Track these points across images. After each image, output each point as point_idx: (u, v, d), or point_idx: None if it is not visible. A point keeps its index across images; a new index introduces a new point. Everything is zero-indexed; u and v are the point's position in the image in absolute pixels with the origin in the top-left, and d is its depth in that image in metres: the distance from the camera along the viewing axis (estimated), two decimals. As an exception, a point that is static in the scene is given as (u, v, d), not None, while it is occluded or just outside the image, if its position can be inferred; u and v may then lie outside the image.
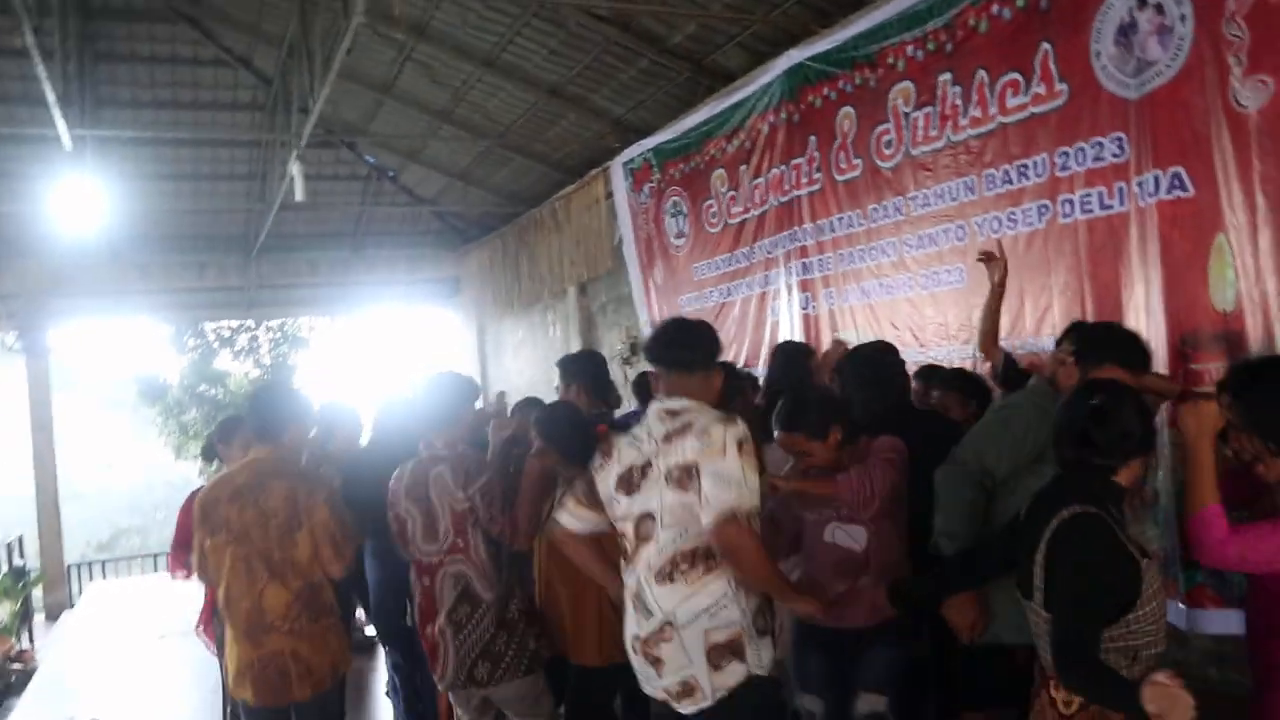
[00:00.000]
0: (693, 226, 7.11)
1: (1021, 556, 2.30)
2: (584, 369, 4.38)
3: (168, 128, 9.52)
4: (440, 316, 13.74)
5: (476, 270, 11.75)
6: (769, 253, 6.24)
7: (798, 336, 5.89)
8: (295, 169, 7.57)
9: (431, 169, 10.30)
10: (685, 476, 2.56)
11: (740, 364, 6.31)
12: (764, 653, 2.64)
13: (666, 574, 2.61)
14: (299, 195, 7.60)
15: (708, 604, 2.57)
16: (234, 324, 16.42)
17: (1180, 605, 3.56)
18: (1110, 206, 3.91)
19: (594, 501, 2.90)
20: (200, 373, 16.67)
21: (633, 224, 7.90)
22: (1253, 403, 2.25)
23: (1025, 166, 4.28)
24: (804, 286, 5.91)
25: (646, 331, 7.96)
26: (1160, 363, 3.61)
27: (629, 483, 2.73)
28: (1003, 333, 4.40)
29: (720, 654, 2.57)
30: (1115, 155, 3.86)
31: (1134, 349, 3.01)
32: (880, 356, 3.78)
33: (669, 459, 2.60)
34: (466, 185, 10.37)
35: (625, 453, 2.77)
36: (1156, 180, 3.68)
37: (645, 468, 2.68)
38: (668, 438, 2.63)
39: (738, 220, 6.53)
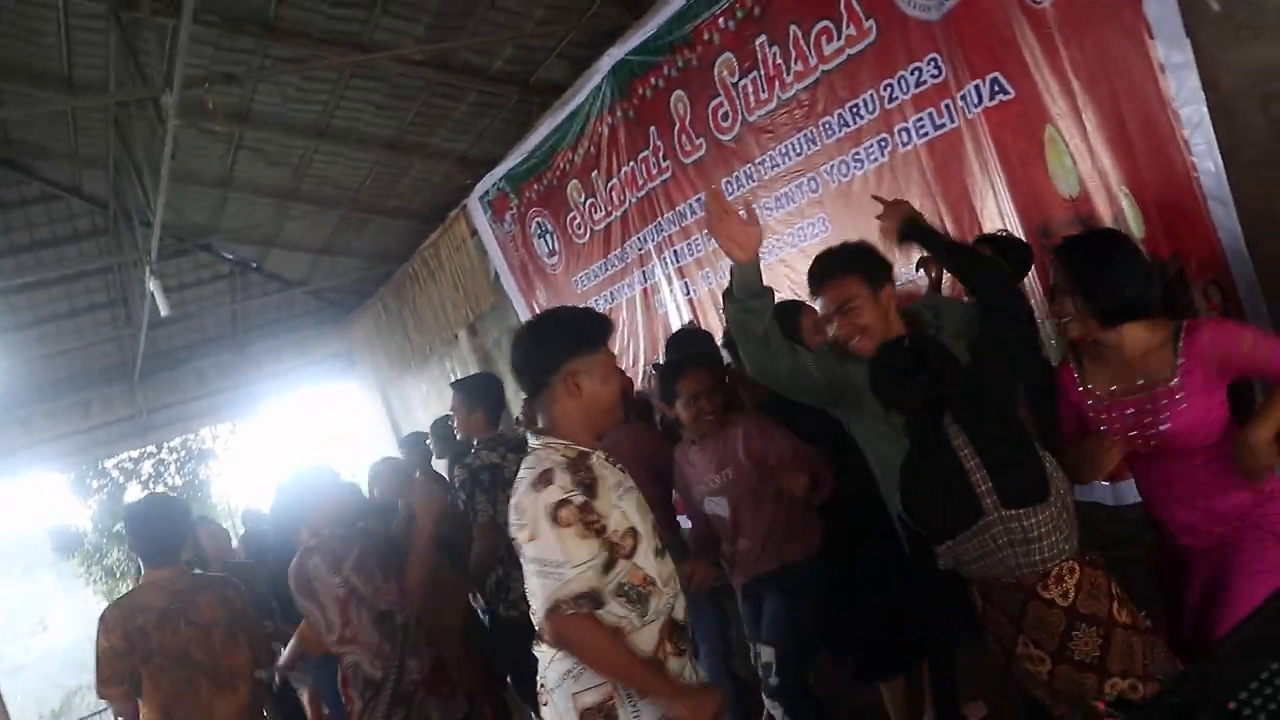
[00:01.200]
0: (562, 242, 7.02)
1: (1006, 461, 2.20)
2: (488, 394, 4.26)
3: (12, 275, 8.99)
4: (342, 392, 13.37)
5: (364, 338, 11.47)
6: (640, 248, 6.19)
7: (686, 320, 5.87)
8: (153, 285, 7.23)
9: (294, 250, 9.98)
10: (519, 553, 2.15)
11: (642, 361, 6.26)
12: (644, 715, 2.16)
13: (538, 634, 2.20)
14: (163, 310, 7.26)
15: (569, 665, 2.15)
16: (134, 454, 15.69)
17: (1103, 483, 3.62)
18: (943, 125, 3.97)
19: None
20: (112, 512, 15.89)
21: (504, 255, 7.79)
22: (1074, 264, 2.32)
23: (856, 107, 4.32)
24: (681, 273, 5.88)
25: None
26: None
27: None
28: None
29: (593, 718, 2.16)
30: (934, 76, 3.92)
31: None
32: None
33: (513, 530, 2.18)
34: (333, 257, 10.08)
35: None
36: (977, 90, 3.75)
37: None
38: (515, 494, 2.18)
39: (603, 225, 6.47)
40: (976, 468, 2.17)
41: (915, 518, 2.37)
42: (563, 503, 2.05)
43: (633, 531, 2.14)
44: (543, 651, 2.21)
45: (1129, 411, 2.30)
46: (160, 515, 3.39)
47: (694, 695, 2.17)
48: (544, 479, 2.08)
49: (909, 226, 2.63)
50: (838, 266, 2.59)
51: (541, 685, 2.24)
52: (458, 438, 5.81)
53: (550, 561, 2.03)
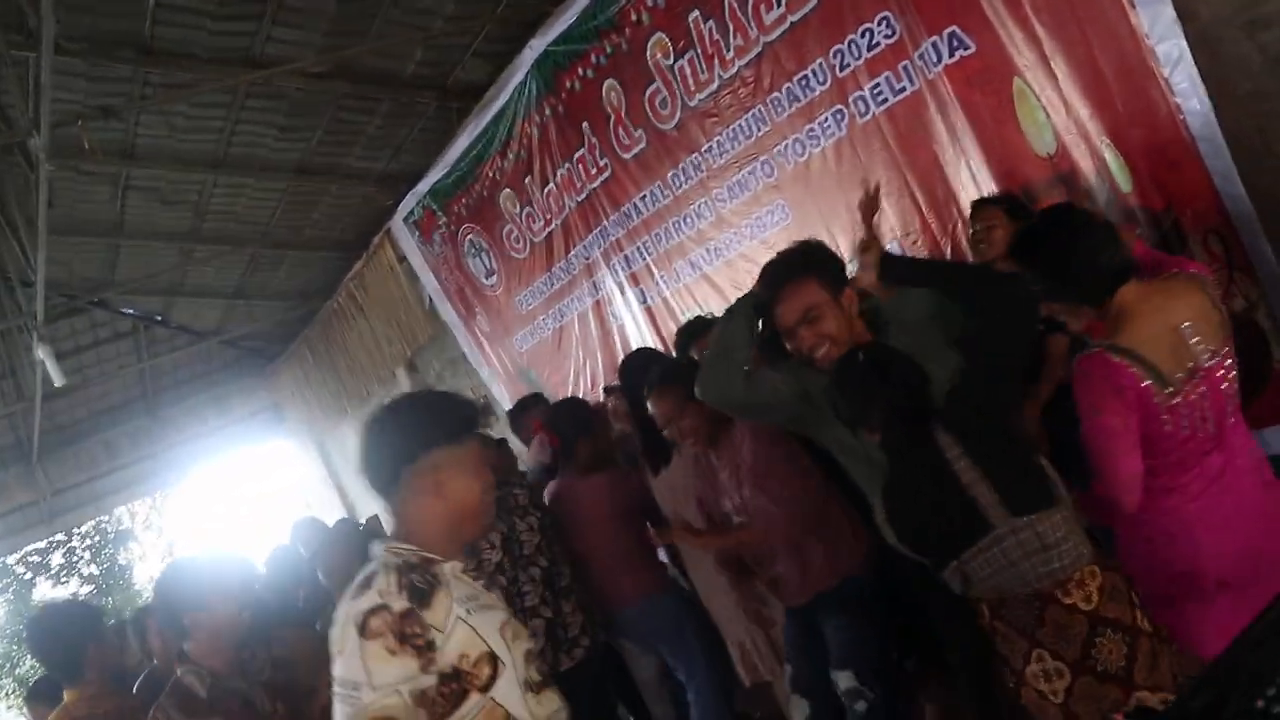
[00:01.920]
0: (499, 259, 6.96)
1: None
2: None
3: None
4: (275, 450, 13.17)
5: (292, 387, 11.30)
6: (586, 258, 6.15)
7: (644, 333, 5.83)
8: (42, 352, 7.03)
9: (202, 297, 9.81)
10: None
11: (600, 384, 6.19)
12: None
13: None
14: (57, 380, 7.07)
15: None
16: (41, 545, 15.29)
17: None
18: (902, 89, 3.96)
19: None
20: (21, 615, 15.45)
21: (437, 279, 7.71)
22: (1037, 269, 2.28)
23: (806, 79, 4.31)
24: (634, 280, 5.83)
25: (494, 384, 7.78)
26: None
27: None
28: (845, 257, 4.43)
29: None
30: (888, 37, 3.91)
31: None
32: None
33: None
34: (248, 301, 9.93)
35: None
36: (935, 47, 3.74)
37: None
38: None
39: (543, 236, 6.42)
40: (978, 479, 2.15)
41: (911, 543, 2.32)
42: (377, 609, 1.77)
43: (491, 658, 1.86)
44: None
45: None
46: (54, 630, 3.20)
47: None
48: (365, 584, 1.83)
49: (887, 262, 2.53)
50: (793, 273, 2.47)
51: None
52: None
53: (347, 682, 1.74)
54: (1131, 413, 2.12)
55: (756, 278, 2.56)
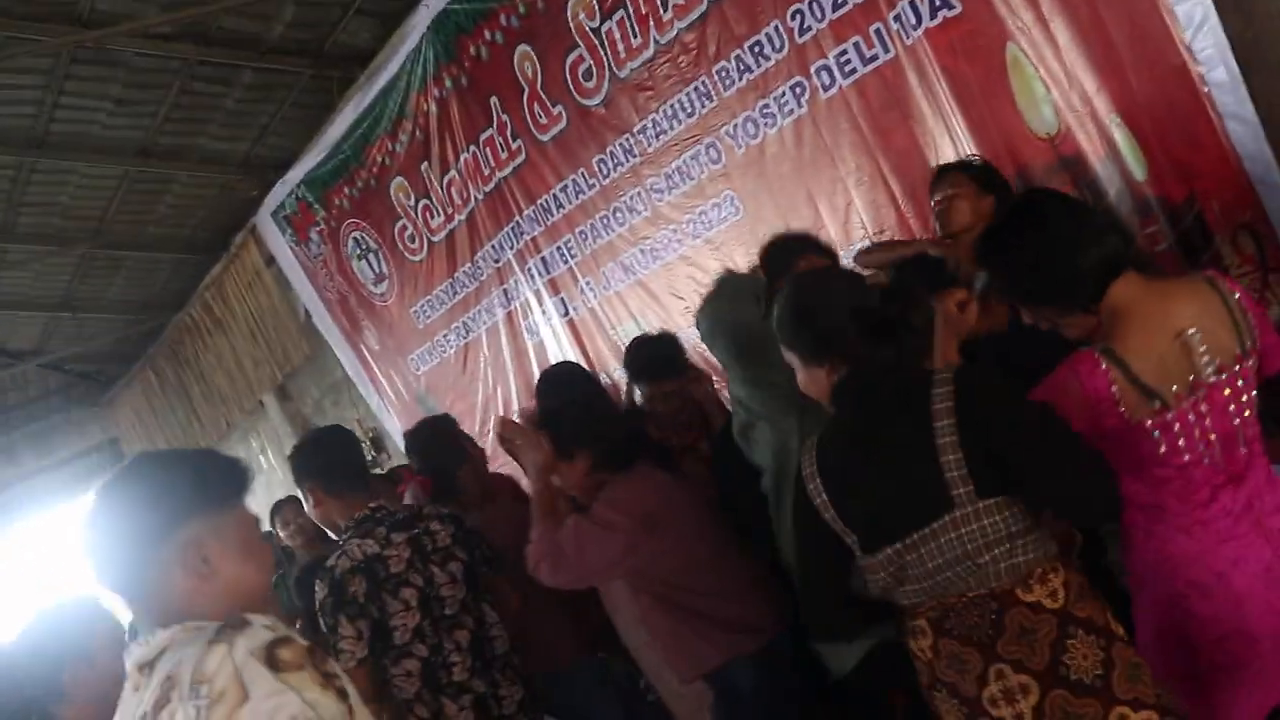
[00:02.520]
0: (391, 262, 6.83)
1: (878, 480, 2.17)
2: (342, 452, 3.66)
3: None
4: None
5: (134, 418, 11.05)
6: (497, 260, 6.06)
7: (566, 350, 5.74)
8: None
9: (17, 310, 9.52)
10: None
11: (512, 409, 6.09)
12: None
13: None
14: None
15: None
16: None
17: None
18: (874, 57, 3.93)
19: None
20: None
21: (314, 286, 7.58)
22: (1004, 274, 2.30)
23: (759, 45, 4.26)
24: (553, 287, 5.75)
25: (385, 414, 7.63)
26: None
27: None
28: (808, 254, 4.40)
29: None
30: (856, -7, 3.89)
31: None
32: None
33: None
34: (76, 315, 9.67)
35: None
36: (914, 7, 3.72)
37: None
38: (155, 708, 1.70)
39: (444, 234, 6.32)
40: (952, 446, 2.07)
41: (844, 512, 2.23)
42: (279, 641, 1.71)
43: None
44: None
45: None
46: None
47: None
48: (229, 627, 1.73)
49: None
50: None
51: None
52: (294, 544, 5.50)
53: None
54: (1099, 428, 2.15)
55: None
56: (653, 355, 3.79)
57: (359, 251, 7.03)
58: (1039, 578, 2.11)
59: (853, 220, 4.23)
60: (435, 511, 3.54)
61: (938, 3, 3.66)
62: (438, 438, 4.03)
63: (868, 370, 2.21)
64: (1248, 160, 3.14)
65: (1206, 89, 3.17)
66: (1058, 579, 2.13)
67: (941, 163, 3.66)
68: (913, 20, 3.73)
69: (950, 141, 3.80)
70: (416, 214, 6.40)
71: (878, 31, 3.87)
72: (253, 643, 1.68)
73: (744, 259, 4.67)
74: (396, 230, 6.62)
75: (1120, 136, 3.40)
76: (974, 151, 3.71)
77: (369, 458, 8.15)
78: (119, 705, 1.81)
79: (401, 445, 7.25)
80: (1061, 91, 3.51)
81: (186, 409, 10.07)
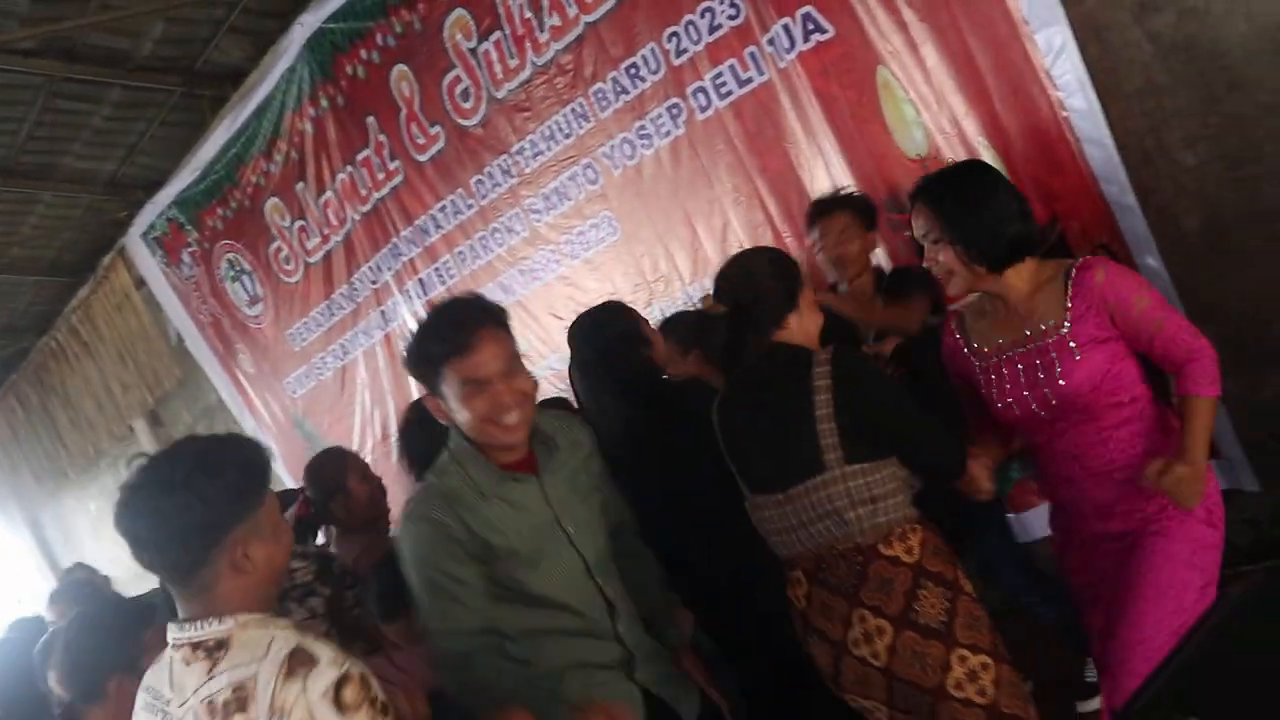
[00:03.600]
0: (266, 284, 6.63)
1: (765, 439, 2.47)
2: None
3: None
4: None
5: (-3, 448, 10.56)
6: (374, 281, 5.92)
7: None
8: None
9: None
10: None
11: (391, 432, 5.94)
12: None
13: None
14: None
15: None
16: None
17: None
18: (749, 80, 3.94)
19: None
20: None
21: (186, 309, 7.32)
22: (945, 209, 2.45)
23: (635, 67, 4.24)
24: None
25: (264, 439, 7.39)
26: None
27: None
28: (687, 279, 4.40)
29: None
30: (731, 18, 3.89)
31: None
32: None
33: None
34: (-67, 340, 9.23)
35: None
36: (788, 30, 3.74)
37: None
38: (220, 710, 1.86)
39: (320, 255, 6.15)
40: (828, 417, 2.36)
41: (736, 459, 2.57)
42: (344, 680, 1.83)
43: None
44: None
45: (1019, 369, 2.47)
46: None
47: None
48: (299, 660, 1.84)
49: None
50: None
51: None
52: None
53: None
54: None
55: None
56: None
57: (233, 273, 6.81)
58: (899, 535, 2.38)
59: (730, 240, 4.22)
60: (298, 550, 3.49)
61: (810, 27, 3.68)
62: (319, 471, 3.94)
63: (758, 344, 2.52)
64: (1104, 184, 3.22)
65: (1066, 114, 3.24)
66: (915, 538, 2.39)
67: (819, 196, 3.55)
68: (786, 44, 3.74)
69: (823, 162, 3.82)
70: (292, 235, 6.22)
71: (752, 54, 3.88)
72: (322, 683, 1.80)
73: (622, 279, 4.64)
74: (271, 252, 6.43)
75: (988, 159, 3.45)
76: (847, 172, 3.73)
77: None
78: (154, 668, 1.97)
79: (278, 469, 7.07)
80: (931, 114, 3.55)
81: (52, 436, 9.67)
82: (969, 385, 2.61)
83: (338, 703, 1.80)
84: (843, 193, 3.47)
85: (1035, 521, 3.65)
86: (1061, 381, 2.38)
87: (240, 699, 1.82)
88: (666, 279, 4.51)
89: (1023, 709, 2.32)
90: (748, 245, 4.12)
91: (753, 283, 2.52)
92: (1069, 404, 2.40)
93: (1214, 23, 3.10)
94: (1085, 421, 2.42)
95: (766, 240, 4.07)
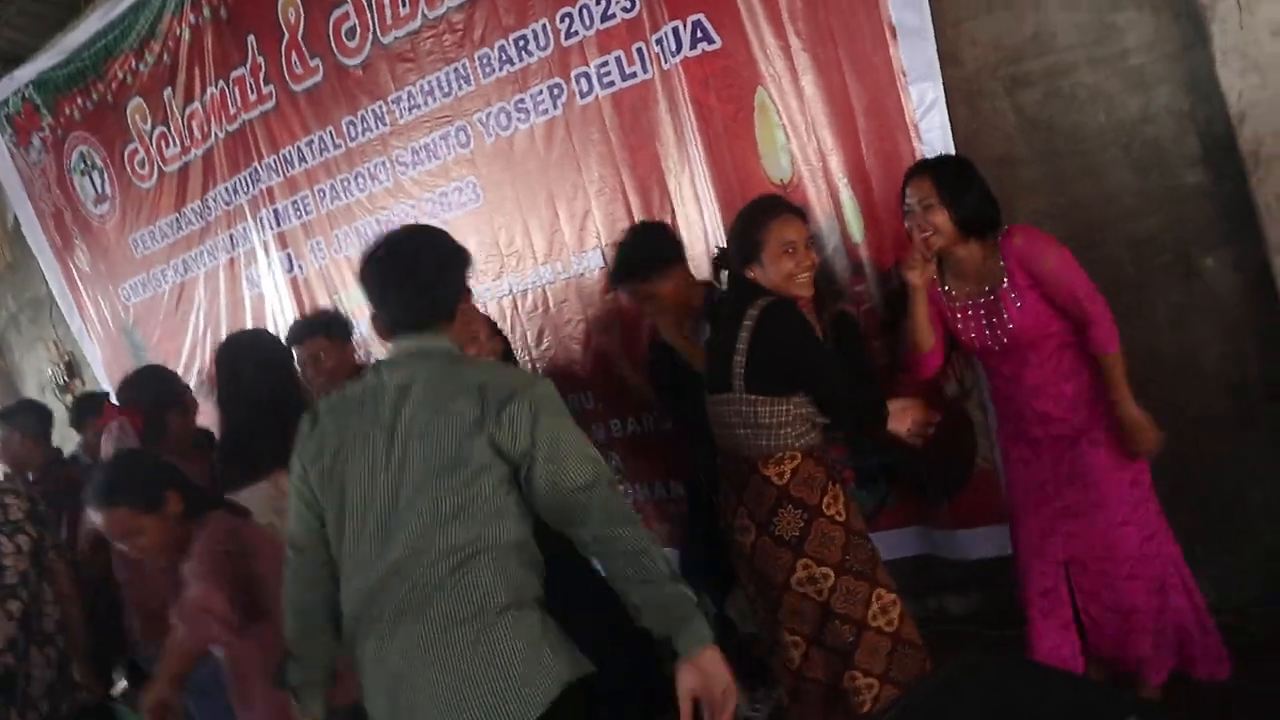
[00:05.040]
0: (116, 184, 6.28)
1: (712, 352, 3.02)
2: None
3: None
4: None
5: None
6: (229, 203, 5.66)
7: (285, 307, 5.43)
8: None
9: None
10: None
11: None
12: None
13: None
14: None
15: None
16: None
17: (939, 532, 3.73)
18: (633, 75, 3.86)
19: None
20: None
21: (28, 194, 6.89)
22: (946, 179, 2.92)
23: (525, 40, 4.12)
24: (282, 242, 5.42)
25: (86, 340, 7.04)
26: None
27: None
28: (540, 257, 4.32)
29: None
30: (626, 10, 3.80)
31: None
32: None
33: None
34: None
35: None
36: (676, 34, 3.67)
37: None
38: None
39: (177, 165, 5.85)
40: (743, 350, 2.83)
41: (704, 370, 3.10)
42: None
43: None
44: None
45: (981, 313, 3.00)
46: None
47: None
48: None
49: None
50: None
51: None
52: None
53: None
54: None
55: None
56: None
57: (83, 167, 6.43)
58: (776, 460, 2.87)
59: (589, 229, 4.15)
60: (11, 487, 3.63)
61: (699, 34, 3.63)
62: (157, 380, 3.78)
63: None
64: (952, 240, 3.26)
65: (925, 168, 3.26)
66: (789, 465, 2.87)
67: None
68: (674, 46, 3.68)
69: (689, 171, 3.78)
70: (151, 140, 5.90)
71: (639, 50, 3.81)
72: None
73: (476, 246, 4.49)
74: (127, 153, 6.09)
75: (846, 197, 3.47)
76: (710, 184, 3.70)
77: (60, 382, 7.51)
78: None
79: (98, 373, 6.72)
80: (800, 143, 3.54)
81: None
82: (939, 317, 3.11)
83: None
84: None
85: (970, 542, 3.64)
86: (1010, 324, 2.93)
87: None
88: (520, 255, 4.41)
89: (858, 612, 2.85)
90: (605, 237, 4.08)
91: (729, 238, 3.16)
92: (1015, 339, 2.94)
93: (1077, 108, 3.17)
94: (1028, 350, 2.96)
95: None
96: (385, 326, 2.35)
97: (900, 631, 2.84)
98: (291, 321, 4.95)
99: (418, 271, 2.30)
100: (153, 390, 3.74)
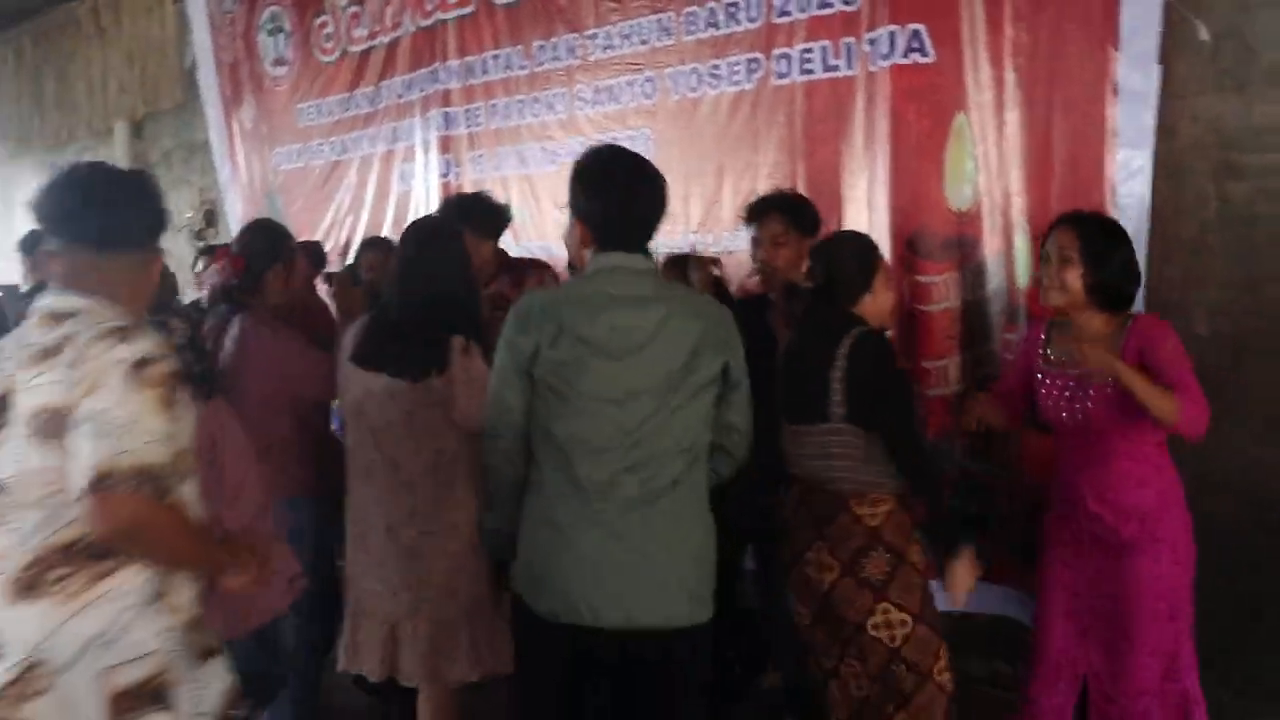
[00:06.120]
0: (298, 52, 6.46)
1: (798, 381, 2.91)
2: None
3: None
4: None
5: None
6: (401, 96, 5.79)
7: (433, 209, 5.51)
8: None
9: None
10: (54, 425, 1.98)
11: (354, 243, 5.84)
12: (211, 686, 2.16)
13: (30, 584, 1.98)
14: None
15: (100, 628, 1.99)
16: None
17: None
18: (835, 68, 3.86)
19: None
20: None
21: (213, 41, 7.11)
22: (1092, 238, 2.80)
23: (735, 7, 4.15)
24: (444, 146, 5.52)
25: (230, 192, 7.25)
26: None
27: None
28: (693, 225, 4.33)
29: (129, 706, 2.01)
30: (846, 2, 3.80)
31: None
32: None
33: (34, 395, 2.00)
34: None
35: None
36: (892, 39, 3.65)
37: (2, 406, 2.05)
38: (41, 357, 2.02)
39: (361, 48, 5.99)
40: (841, 378, 2.76)
41: (781, 397, 2.97)
42: (152, 359, 2.03)
43: (189, 455, 2.16)
44: (37, 610, 1.97)
45: (1070, 385, 2.90)
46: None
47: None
48: (133, 333, 2.06)
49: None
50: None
51: (31, 667, 1.95)
52: None
53: (119, 423, 1.94)
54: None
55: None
56: None
57: (271, 27, 6.61)
58: (870, 501, 2.82)
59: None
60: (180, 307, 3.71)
61: (915, 45, 3.60)
62: (269, 233, 3.85)
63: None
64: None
65: (1113, 235, 3.20)
66: (883, 508, 2.82)
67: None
68: (885, 50, 3.65)
69: (868, 176, 3.75)
70: (343, 17, 6.04)
71: (848, 46, 3.80)
72: (127, 351, 2.00)
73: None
74: (316, 24, 6.25)
75: (1021, 242, 3.43)
76: (886, 195, 3.68)
77: (196, 227, 7.76)
78: (17, 331, 2.15)
79: (232, 228, 6.92)
80: (988, 177, 3.51)
81: (34, 101, 9.30)
82: (1024, 369, 3.07)
83: (135, 372, 1.98)
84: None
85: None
86: (1091, 405, 2.83)
87: (56, 348, 2.00)
88: (673, 218, 4.37)
89: (927, 663, 2.80)
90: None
91: (836, 266, 2.88)
92: (1090, 425, 2.85)
93: (1282, 211, 3.09)
94: (1099, 443, 2.85)
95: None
96: (609, 236, 2.46)
97: (951, 690, 2.86)
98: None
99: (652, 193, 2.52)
100: (259, 242, 3.77)
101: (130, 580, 2.02)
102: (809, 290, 2.95)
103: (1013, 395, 3.12)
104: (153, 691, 2.03)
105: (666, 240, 4.37)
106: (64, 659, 1.96)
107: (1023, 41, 3.39)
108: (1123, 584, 2.84)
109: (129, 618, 2.01)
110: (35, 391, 1.99)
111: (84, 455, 1.92)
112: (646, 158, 2.62)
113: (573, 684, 2.53)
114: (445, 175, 5.53)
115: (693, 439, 2.41)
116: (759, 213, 3.45)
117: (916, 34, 3.60)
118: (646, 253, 2.50)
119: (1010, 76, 3.42)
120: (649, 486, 2.35)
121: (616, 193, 2.45)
